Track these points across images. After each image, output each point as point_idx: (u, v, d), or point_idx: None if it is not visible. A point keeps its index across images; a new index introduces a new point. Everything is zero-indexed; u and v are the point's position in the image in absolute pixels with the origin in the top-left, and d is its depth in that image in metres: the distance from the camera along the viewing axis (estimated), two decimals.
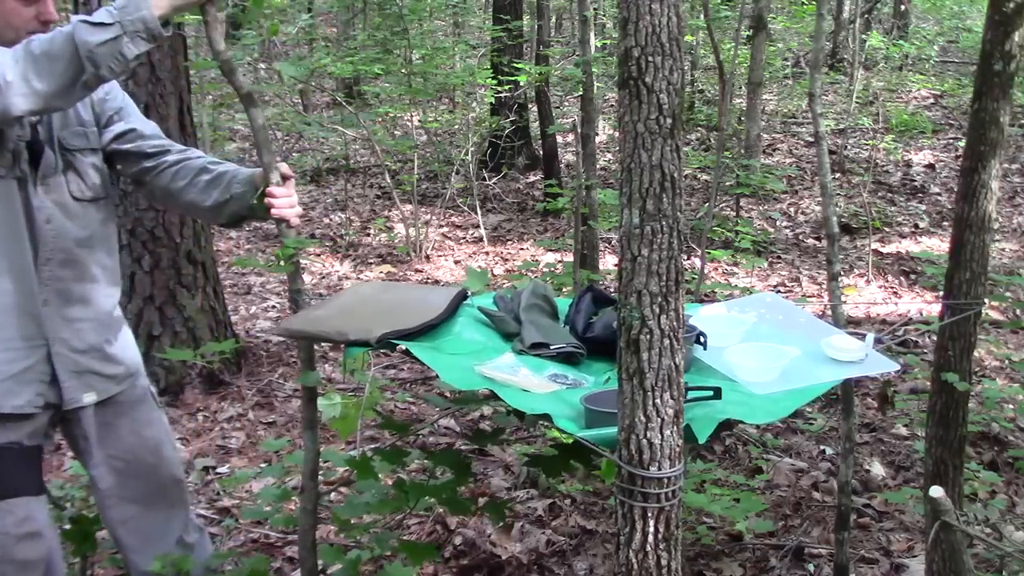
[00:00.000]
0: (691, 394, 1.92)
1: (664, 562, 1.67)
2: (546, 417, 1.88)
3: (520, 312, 2.35)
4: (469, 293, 2.50)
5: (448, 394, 3.90)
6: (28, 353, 2.13)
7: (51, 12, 2.04)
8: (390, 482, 2.68)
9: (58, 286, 2.16)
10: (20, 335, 2.12)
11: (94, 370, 2.24)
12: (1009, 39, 2.71)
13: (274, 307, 6.13)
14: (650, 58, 1.51)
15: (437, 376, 2.04)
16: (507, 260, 7.21)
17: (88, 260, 2.22)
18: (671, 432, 1.63)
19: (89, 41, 1.89)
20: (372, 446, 3.93)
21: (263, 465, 3.92)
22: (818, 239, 7.43)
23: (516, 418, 2.09)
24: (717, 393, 1.94)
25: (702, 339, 2.19)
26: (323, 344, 3.40)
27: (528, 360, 2.16)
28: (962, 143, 9.56)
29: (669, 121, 1.54)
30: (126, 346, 2.37)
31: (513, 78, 8.35)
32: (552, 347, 2.22)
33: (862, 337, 2.19)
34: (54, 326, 2.16)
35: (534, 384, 2.03)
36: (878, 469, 3.88)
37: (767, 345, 2.22)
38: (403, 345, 2.14)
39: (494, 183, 9.12)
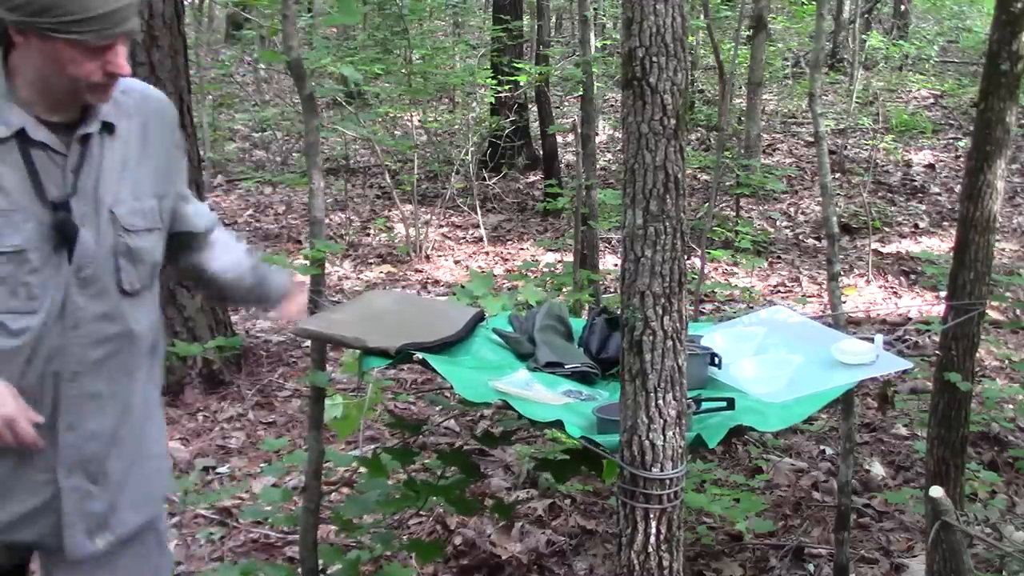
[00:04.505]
0: (705, 405, 1.93)
1: (666, 563, 1.67)
2: (558, 424, 1.89)
3: (535, 333, 2.36)
4: (486, 315, 2.50)
5: (448, 394, 3.90)
6: (28, 494, 1.66)
7: (122, 65, 1.59)
8: (391, 482, 2.69)
9: (87, 405, 1.67)
10: (18, 472, 1.64)
11: (115, 506, 1.74)
12: (1016, 39, 2.72)
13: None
14: (654, 59, 1.51)
15: (439, 378, 2.05)
16: (507, 260, 7.21)
17: (126, 363, 1.72)
18: (673, 433, 1.63)
19: None
20: (372, 446, 3.93)
21: (263, 465, 3.92)
22: (818, 239, 7.43)
23: (529, 422, 2.10)
24: (731, 404, 1.94)
25: (716, 360, 2.19)
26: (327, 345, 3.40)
27: (542, 377, 2.17)
28: (962, 143, 9.60)
29: (673, 122, 1.54)
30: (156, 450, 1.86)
31: (513, 78, 8.34)
32: (567, 366, 2.23)
33: (870, 340, 2.19)
34: (72, 457, 1.67)
35: (548, 398, 2.04)
36: (878, 469, 3.88)
37: (770, 356, 2.23)
38: (420, 355, 2.15)
39: (494, 183, 9.11)
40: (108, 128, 1.68)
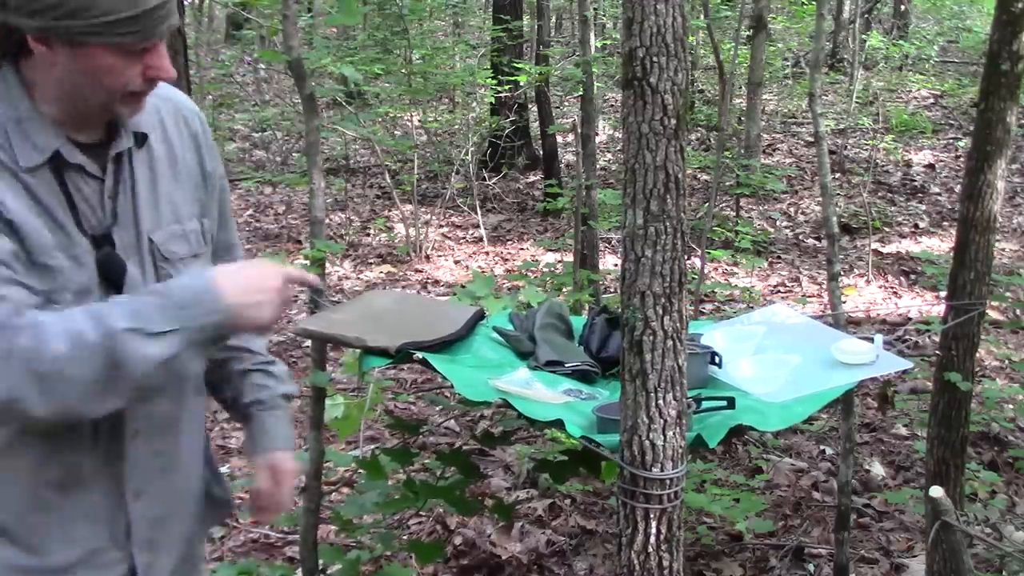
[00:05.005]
0: (705, 404, 1.93)
1: (666, 563, 1.67)
2: (558, 423, 1.88)
3: (535, 331, 2.35)
4: (486, 313, 2.50)
5: (448, 394, 3.90)
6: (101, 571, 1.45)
7: (167, 67, 1.35)
8: (391, 482, 2.69)
9: (152, 465, 1.46)
10: (90, 544, 1.42)
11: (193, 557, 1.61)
12: (1017, 39, 2.72)
13: None
14: (654, 58, 1.51)
15: (439, 378, 2.05)
16: (507, 260, 7.21)
17: (185, 412, 1.52)
18: (673, 433, 1.63)
19: (146, 359, 1.25)
20: (372, 446, 3.93)
21: None
22: (818, 239, 7.43)
23: (528, 422, 2.10)
24: (731, 403, 1.94)
25: (717, 359, 2.19)
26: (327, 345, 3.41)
27: (542, 375, 2.17)
28: (962, 143, 9.60)
29: (673, 122, 1.54)
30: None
31: (513, 78, 8.35)
32: (567, 365, 2.23)
33: (870, 340, 2.19)
34: (144, 530, 1.47)
35: (548, 397, 2.04)
36: (878, 469, 3.88)
37: (768, 356, 2.23)
38: (420, 355, 2.15)
39: (494, 183, 9.12)
40: (139, 140, 1.45)
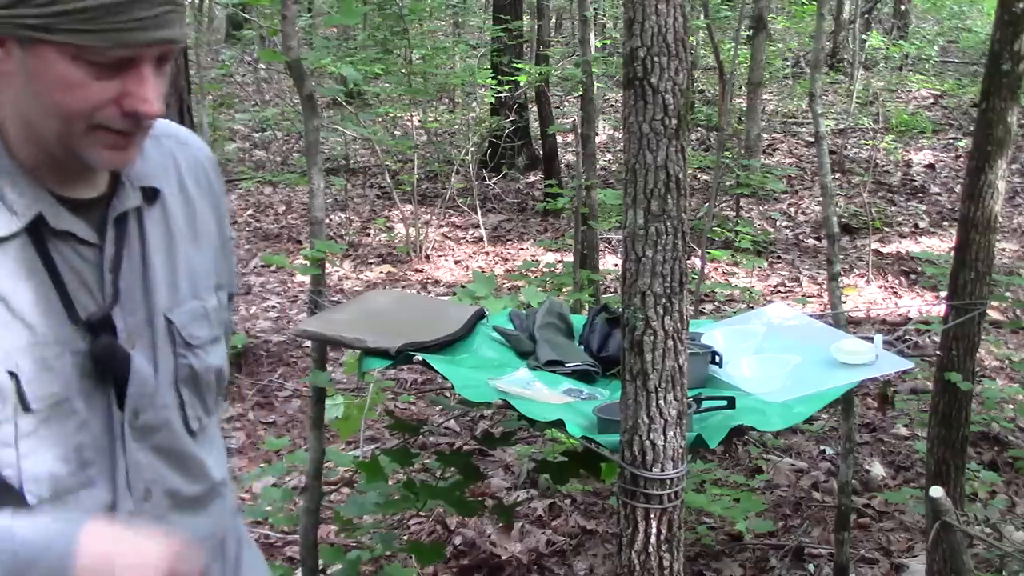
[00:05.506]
0: (705, 404, 1.93)
1: (667, 563, 1.67)
2: (558, 424, 1.89)
3: (535, 331, 2.36)
4: (486, 312, 2.50)
5: (448, 394, 3.90)
6: None
7: (147, 97, 0.99)
8: (391, 483, 2.69)
9: None
10: None
11: None
12: (1018, 39, 2.72)
13: (274, 307, 6.13)
14: (655, 58, 1.51)
15: (440, 378, 2.05)
16: (507, 260, 7.21)
17: (215, 523, 1.23)
18: (674, 433, 1.63)
19: None
20: (373, 446, 3.94)
21: (263, 465, 3.92)
22: (818, 239, 7.43)
23: (528, 423, 2.10)
24: (731, 403, 1.94)
25: (717, 359, 2.19)
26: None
27: (543, 375, 2.17)
28: (962, 143, 9.60)
29: (674, 122, 1.54)
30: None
31: (513, 78, 8.35)
32: (567, 364, 2.23)
33: (870, 340, 2.19)
34: None
35: (548, 397, 2.04)
36: (878, 469, 3.88)
37: (767, 356, 2.23)
38: (420, 356, 2.15)
39: (494, 183, 9.11)
40: (149, 195, 1.13)
